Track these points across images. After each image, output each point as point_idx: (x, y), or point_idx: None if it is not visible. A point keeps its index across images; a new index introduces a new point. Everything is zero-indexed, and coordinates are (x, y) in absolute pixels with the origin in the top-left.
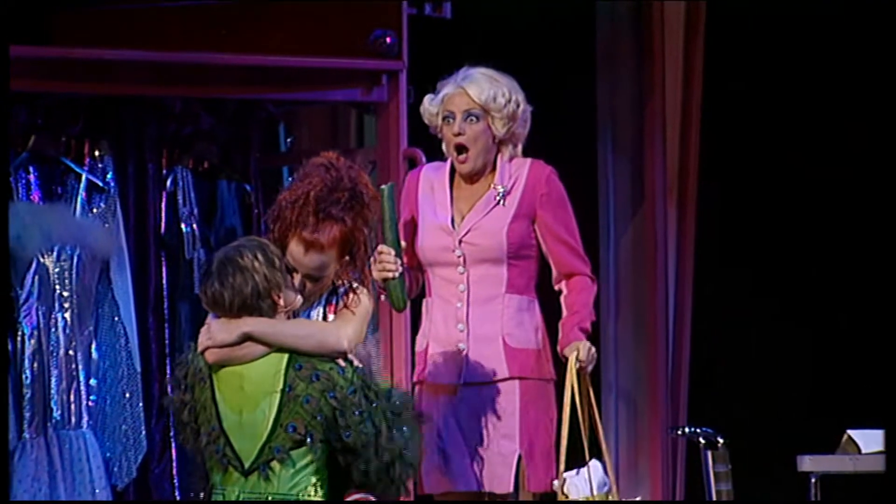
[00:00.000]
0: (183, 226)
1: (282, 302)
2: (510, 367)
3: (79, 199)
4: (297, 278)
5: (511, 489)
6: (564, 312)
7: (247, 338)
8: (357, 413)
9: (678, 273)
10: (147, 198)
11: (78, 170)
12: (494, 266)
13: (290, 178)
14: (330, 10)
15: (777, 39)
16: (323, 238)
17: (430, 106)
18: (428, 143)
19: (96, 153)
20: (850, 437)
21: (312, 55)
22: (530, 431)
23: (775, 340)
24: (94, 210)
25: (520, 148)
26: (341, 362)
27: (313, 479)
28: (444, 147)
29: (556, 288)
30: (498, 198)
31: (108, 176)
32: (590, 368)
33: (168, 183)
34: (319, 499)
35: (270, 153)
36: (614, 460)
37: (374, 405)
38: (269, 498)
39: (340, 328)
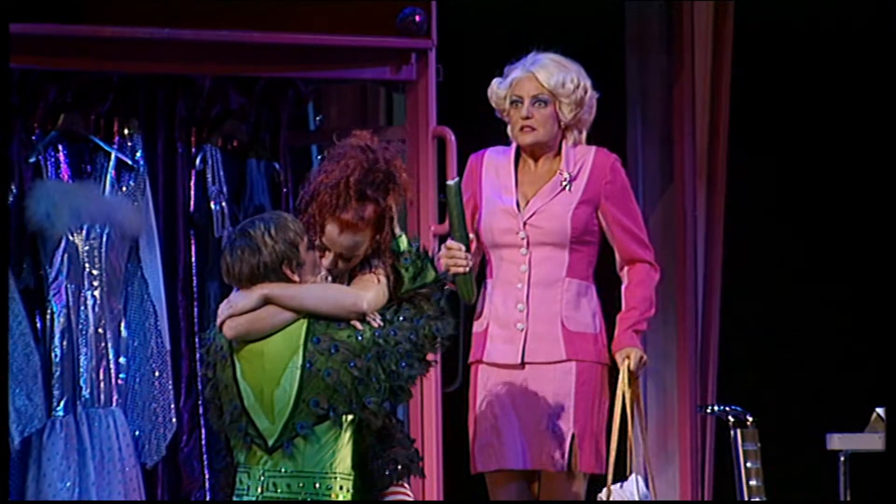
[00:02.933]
0: (212, 204)
1: (296, 277)
2: (567, 350)
3: (108, 178)
4: (329, 257)
5: (564, 468)
6: (623, 306)
7: (265, 301)
8: (375, 379)
9: (707, 252)
10: (176, 176)
11: (107, 148)
12: (557, 250)
13: (319, 157)
14: None
15: (808, 19)
16: (358, 219)
17: (498, 89)
18: (457, 122)
19: (126, 131)
20: (878, 416)
21: (342, 33)
22: (584, 413)
23: (805, 318)
24: (124, 188)
25: (584, 134)
26: (358, 325)
27: (338, 456)
28: (509, 130)
29: (620, 274)
30: (564, 183)
31: (138, 154)
32: (640, 373)
33: (197, 161)
34: (343, 475)
35: (299, 131)
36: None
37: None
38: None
39: (360, 290)
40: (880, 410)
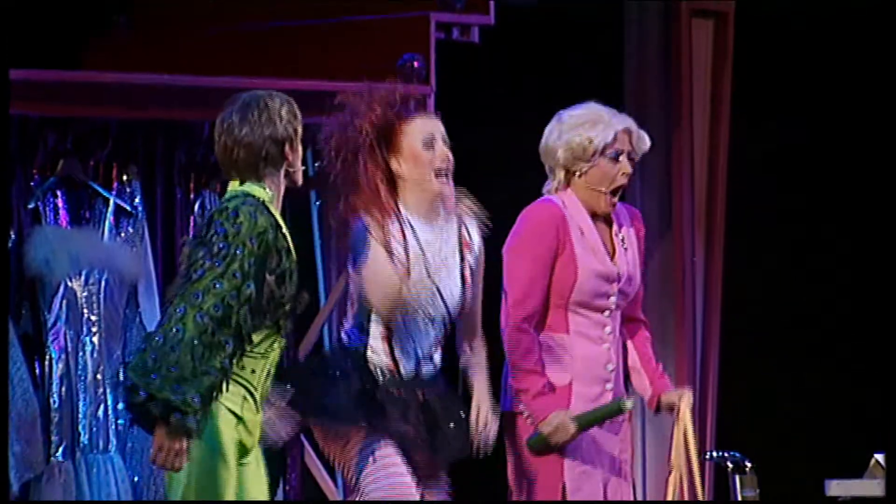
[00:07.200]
0: None
1: (297, 161)
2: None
3: (107, 224)
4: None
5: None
6: (639, 358)
7: None
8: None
9: (706, 298)
10: (175, 222)
11: (106, 194)
12: (625, 308)
13: (317, 203)
14: (358, 35)
15: (806, 54)
16: None
17: (594, 135)
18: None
19: (124, 178)
20: (877, 462)
21: (340, 79)
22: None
23: (803, 364)
24: (122, 234)
25: None
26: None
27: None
28: (599, 181)
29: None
30: (624, 245)
31: (136, 200)
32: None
33: (196, 207)
34: None
35: None
36: (642, 485)
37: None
38: None
39: None
40: (879, 456)
